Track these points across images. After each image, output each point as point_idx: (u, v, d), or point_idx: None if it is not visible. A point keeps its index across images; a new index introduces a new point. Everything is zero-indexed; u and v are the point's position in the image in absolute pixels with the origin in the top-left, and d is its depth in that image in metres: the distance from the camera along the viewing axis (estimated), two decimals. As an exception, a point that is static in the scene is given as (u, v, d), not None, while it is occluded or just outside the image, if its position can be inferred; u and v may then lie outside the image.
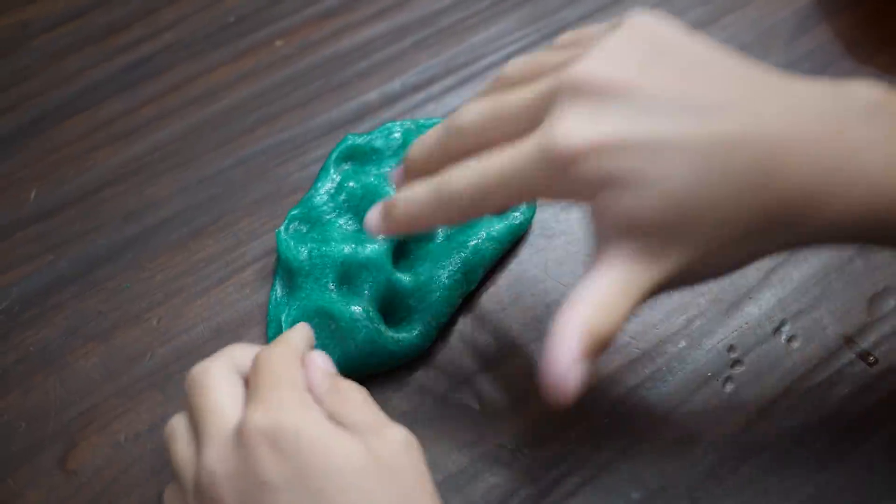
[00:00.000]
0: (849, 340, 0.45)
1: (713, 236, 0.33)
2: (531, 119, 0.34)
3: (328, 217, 0.47)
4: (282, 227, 0.46)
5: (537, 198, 0.35)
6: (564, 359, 0.32)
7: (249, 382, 0.36)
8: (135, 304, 0.47)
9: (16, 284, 0.48)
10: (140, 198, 0.51)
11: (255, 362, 0.36)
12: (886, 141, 0.32)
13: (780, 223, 0.33)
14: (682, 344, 0.45)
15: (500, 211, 0.37)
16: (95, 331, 0.46)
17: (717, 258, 0.34)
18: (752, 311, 0.47)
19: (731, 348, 0.45)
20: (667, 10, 0.58)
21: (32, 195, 0.51)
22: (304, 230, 0.47)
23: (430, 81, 0.55)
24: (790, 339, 0.46)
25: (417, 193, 0.37)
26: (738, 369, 0.45)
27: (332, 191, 0.48)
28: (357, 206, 0.47)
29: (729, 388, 0.44)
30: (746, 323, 0.46)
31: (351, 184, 0.48)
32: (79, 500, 0.42)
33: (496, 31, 0.57)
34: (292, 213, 0.47)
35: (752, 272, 0.48)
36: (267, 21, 0.58)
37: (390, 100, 0.54)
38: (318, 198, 0.48)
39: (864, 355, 0.45)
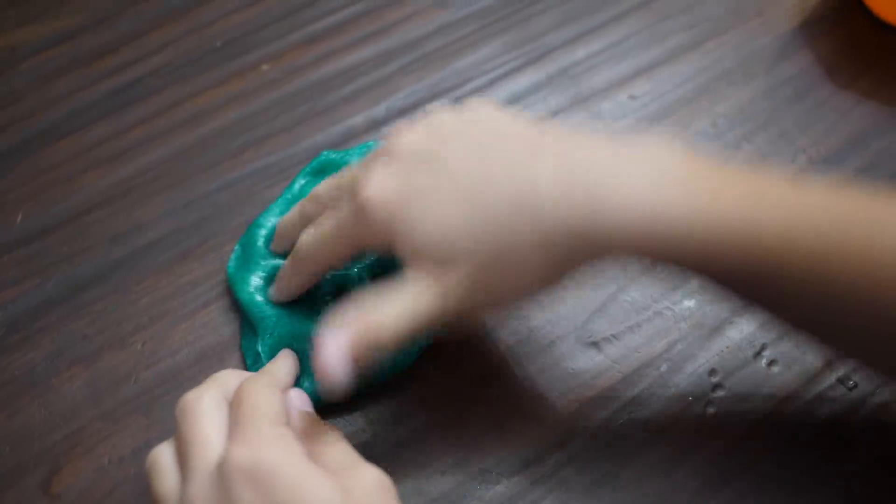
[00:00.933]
0: (829, 365, 0.46)
1: (485, 262, 0.38)
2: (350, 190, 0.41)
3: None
4: (231, 264, 0.48)
5: (357, 248, 0.41)
6: (333, 358, 0.36)
7: (231, 415, 0.36)
8: (120, 328, 0.47)
9: (2, 307, 0.48)
10: (127, 220, 0.51)
11: (238, 395, 0.37)
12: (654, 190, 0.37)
13: (553, 251, 0.37)
14: (664, 368, 0.46)
15: (341, 264, 0.44)
16: (81, 354, 0.47)
17: (497, 283, 0.38)
18: (734, 335, 0.47)
19: (712, 372, 0.46)
20: (648, 35, 0.58)
21: (19, 218, 0.52)
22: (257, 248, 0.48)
23: (415, 105, 0.55)
24: (770, 364, 0.46)
25: (285, 266, 0.45)
26: (720, 393, 0.45)
27: (290, 201, 0.49)
28: None
29: (710, 411, 0.45)
30: (727, 347, 0.47)
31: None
32: (64, 523, 0.42)
33: (481, 56, 0.58)
34: (240, 241, 0.49)
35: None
36: (253, 45, 0.59)
37: (376, 123, 0.55)
38: (270, 219, 0.49)
39: (843, 380, 0.45)
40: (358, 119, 0.55)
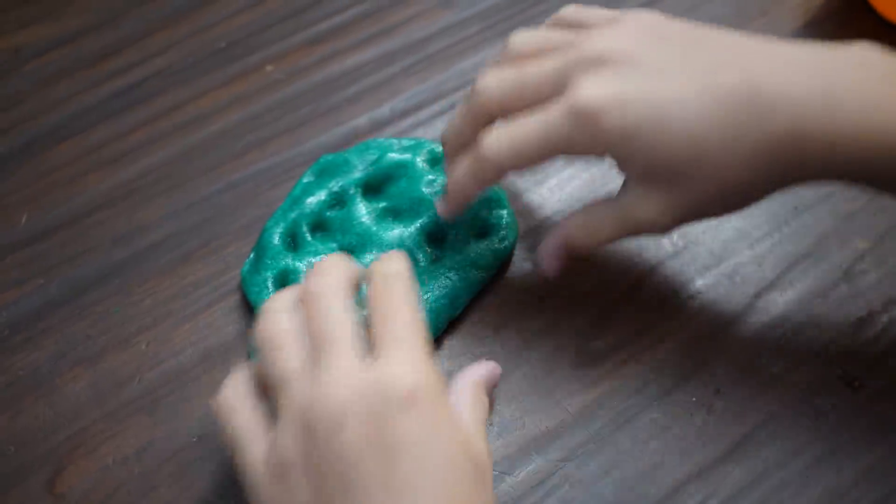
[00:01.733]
0: (833, 365, 0.46)
1: (719, 174, 0.38)
2: (553, 88, 0.40)
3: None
4: (244, 268, 0.48)
5: (567, 153, 0.40)
6: (548, 254, 0.43)
7: (313, 344, 0.35)
8: (123, 328, 0.47)
9: (5, 308, 0.48)
10: (129, 222, 0.51)
11: (316, 324, 0.35)
12: (871, 90, 0.37)
13: (776, 161, 0.38)
14: (666, 372, 0.46)
15: (528, 168, 0.41)
16: (84, 355, 0.47)
17: (724, 194, 0.39)
18: (736, 336, 0.47)
19: (713, 375, 0.46)
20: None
21: (23, 219, 0.52)
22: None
23: (418, 107, 0.55)
24: (773, 365, 0.46)
25: (459, 173, 0.42)
26: (722, 394, 0.45)
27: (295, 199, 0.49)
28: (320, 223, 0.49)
29: (712, 415, 0.45)
30: (730, 348, 0.46)
31: (310, 199, 0.49)
32: (67, 523, 0.42)
33: (485, 56, 0.58)
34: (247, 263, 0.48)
35: (738, 297, 0.48)
36: (257, 47, 0.59)
37: (379, 125, 0.55)
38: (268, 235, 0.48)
39: (848, 380, 0.45)
40: (362, 120, 0.55)
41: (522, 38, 0.43)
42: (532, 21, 0.59)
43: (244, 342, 0.47)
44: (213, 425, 0.44)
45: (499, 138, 0.40)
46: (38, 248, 0.50)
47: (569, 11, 0.44)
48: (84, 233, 0.51)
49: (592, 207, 0.42)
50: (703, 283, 0.48)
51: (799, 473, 0.43)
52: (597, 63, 0.39)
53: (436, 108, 0.55)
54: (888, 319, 0.47)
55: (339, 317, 0.35)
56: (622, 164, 0.40)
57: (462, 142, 0.43)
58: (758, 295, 0.48)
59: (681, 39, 0.40)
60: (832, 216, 0.51)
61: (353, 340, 0.34)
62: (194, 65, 0.58)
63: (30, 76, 0.58)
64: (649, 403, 0.45)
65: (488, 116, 0.42)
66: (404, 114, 0.55)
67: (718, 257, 0.49)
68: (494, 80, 0.41)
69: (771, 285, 0.49)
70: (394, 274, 0.37)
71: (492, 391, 0.43)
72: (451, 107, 0.55)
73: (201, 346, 0.47)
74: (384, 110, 0.55)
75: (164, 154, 0.54)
